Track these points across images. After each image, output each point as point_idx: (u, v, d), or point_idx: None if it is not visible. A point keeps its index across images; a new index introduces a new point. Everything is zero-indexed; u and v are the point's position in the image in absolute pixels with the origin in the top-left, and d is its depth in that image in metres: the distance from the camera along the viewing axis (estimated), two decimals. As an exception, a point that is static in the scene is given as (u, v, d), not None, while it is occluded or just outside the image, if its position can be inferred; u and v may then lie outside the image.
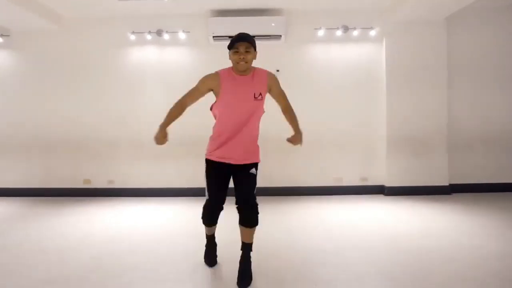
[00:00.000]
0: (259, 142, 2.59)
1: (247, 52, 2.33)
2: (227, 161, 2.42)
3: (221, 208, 2.55)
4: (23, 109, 5.22)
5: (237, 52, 2.33)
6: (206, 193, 2.54)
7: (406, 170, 5.02)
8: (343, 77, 5.10)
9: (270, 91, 2.53)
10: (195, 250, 3.05)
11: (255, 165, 2.49)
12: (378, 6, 4.88)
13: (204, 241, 2.82)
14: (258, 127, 2.53)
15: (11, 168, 5.26)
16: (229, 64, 2.47)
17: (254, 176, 2.46)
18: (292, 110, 2.63)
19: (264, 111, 2.53)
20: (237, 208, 2.44)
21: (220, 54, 4.94)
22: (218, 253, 2.80)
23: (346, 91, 5.10)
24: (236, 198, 2.44)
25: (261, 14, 4.89)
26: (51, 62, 5.17)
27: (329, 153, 5.14)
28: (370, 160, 5.16)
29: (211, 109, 2.52)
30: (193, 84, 2.50)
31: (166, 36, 5.01)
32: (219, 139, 2.44)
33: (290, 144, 2.62)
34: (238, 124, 2.39)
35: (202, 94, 2.48)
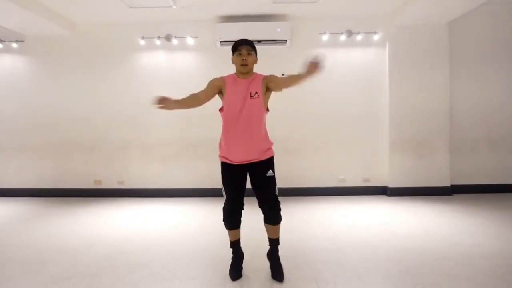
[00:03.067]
0: None
1: (249, 54, 2.53)
2: (236, 162, 2.49)
3: (239, 210, 2.57)
4: (36, 112, 5.38)
5: (240, 54, 2.52)
6: (224, 195, 2.60)
7: (408, 171, 5.12)
8: (347, 81, 5.21)
9: (269, 86, 2.56)
10: (205, 247, 3.20)
11: (270, 165, 2.54)
12: (381, 11, 4.99)
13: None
14: (263, 125, 2.57)
15: (25, 169, 5.43)
16: (234, 69, 2.63)
17: (272, 178, 2.52)
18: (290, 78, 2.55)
19: (268, 110, 2.61)
20: (260, 208, 2.55)
21: (227, 59, 5.05)
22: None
23: (350, 94, 5.21)
24: (258, 200, 2.54)
25: (267, 19, 5.02)
26: (64, 67, 5.34)
27: (333, 155, 5.25)
28: (373, 162, 5.26)
29: (220, 110, 2.60)
30: (202, 87, 2.67)
31: (174, 41, 5.16)
32: (225, 140, 2.53)
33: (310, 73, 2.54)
34: (240, 123, 2.45)
35: (211, 93, 2.60)
